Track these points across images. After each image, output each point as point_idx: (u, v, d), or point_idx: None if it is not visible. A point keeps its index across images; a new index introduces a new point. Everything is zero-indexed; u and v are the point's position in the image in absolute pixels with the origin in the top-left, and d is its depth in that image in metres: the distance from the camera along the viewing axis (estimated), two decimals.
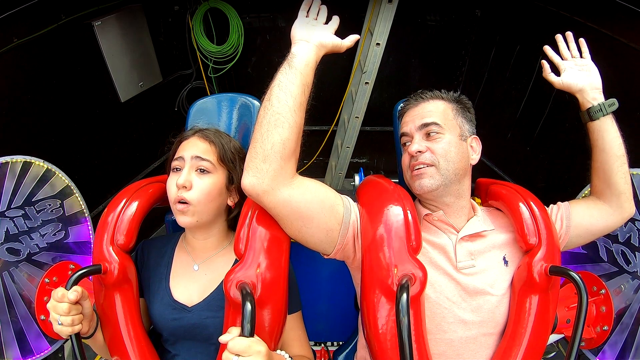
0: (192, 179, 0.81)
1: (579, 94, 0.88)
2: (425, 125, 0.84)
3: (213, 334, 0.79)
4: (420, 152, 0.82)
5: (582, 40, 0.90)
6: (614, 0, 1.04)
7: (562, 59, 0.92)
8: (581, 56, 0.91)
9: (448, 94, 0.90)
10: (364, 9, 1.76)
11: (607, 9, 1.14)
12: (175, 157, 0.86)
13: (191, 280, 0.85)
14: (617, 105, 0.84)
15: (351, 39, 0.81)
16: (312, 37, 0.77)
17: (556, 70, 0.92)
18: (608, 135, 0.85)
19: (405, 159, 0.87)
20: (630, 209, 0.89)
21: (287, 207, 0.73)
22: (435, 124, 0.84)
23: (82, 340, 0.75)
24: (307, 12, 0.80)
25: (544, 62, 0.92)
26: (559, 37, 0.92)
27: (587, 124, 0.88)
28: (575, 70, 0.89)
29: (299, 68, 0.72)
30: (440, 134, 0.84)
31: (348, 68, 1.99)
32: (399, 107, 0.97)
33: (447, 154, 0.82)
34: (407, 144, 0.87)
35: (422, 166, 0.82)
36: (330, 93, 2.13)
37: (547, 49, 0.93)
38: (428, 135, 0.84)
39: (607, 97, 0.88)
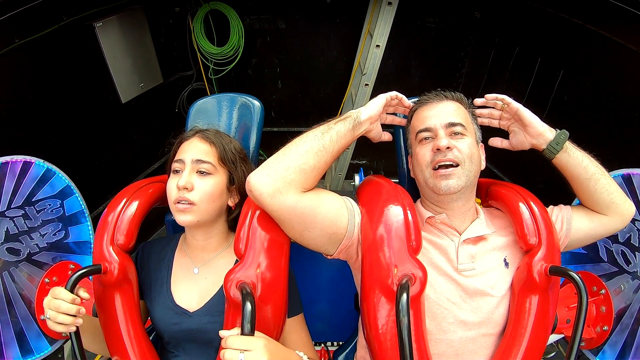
0: (193, 181, 0.81)
1: (531, 147, 0.89)
2: (452, 124, 0.84)
3: (213, 338, 0.79)
4: (449, 148, 0.82)
5: (490, 96, 0.90)
6: (611, 3, 1.05)
7: (498, 119, 0.92)
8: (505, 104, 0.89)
9: (464, 99, 0.91)
10: (364, 11, 1.77)
11: (605, 11, 1.15)
12: (175, 159, 0.85)
13: (192, 284, 0.85)
14: (566, 135, 0.84)
15: (385, 138, 0.94)
16: (376, 124, 0.88)
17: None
18: (570, 166, 0.85)
19: (426, 154, 0.84)
20: (628, 212, 0.89)
21: (291, 212, 0.73)
22: (461, 125, 0.84)
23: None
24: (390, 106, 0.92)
25: (492, 140, 0.94)
26: (477, 103, 0.92)
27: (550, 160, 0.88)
28: (517, 128, 0.89)
29: (355, 134, 0.83)
30: (464, 135, 0.84)
31: (348, 70, 2.00)
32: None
33: (472, 155, 0.83)
34: (428, 138, 0.85)
35: (450, 165, 0.81)
36: (331, 94, 2.14)
37: (485, 121, 0.94)
38: (452, 134, 0.84)
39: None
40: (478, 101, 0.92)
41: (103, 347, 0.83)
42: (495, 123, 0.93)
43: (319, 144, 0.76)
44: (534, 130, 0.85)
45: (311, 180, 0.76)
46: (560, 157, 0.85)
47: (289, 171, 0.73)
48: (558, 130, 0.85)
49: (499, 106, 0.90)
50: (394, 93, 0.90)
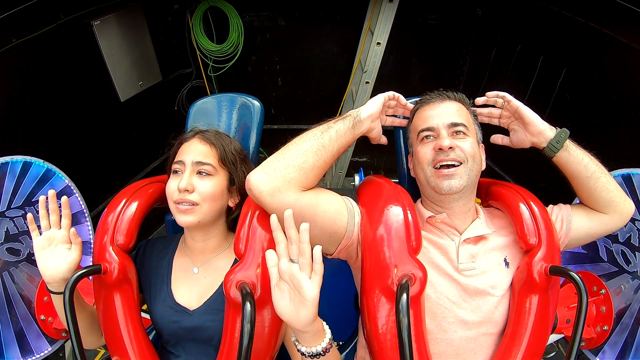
0: (193, 182, 0.81)
1: (532, 145, 0.89)
2: (455, 124, 0.84)
3: (213, 335, 0.80)
4: (452, 148, 0.82)
5: (491, 94, 0.90)
6: (615, 1, 1.04)
7: (498, 117, 0.92)
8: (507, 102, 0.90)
9: (466, 99, 0.91)
10: (364, 8, 1.76)
11: (609, 10, 1.14)
12: (175, 160, 0.85)
13: (191, 283, 0.85)
14: (567, 133, 0.84)
15: (383, 140, 0.93)
16: (377, 123, 0.88)
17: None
18: (571, 164, 0.85)
19: (427, 153, 0.84)
20: (628, 210, 0.89)
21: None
22: (464, 125, 0.85)
23: (53, 293, 0.79)
24: (389, 97, 0.91)
25: (493, 137, 0.95)
26: (479, 102, 0.92)
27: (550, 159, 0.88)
28: (517, 126, 0.89)
29: (356, 133, 0.83)
30: (467, 135, 0.85)
31: (349, 67, 1.99)
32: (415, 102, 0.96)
33: (474, 154, 0.84)
34: (430, 138, 0.86)
35: (452, 164, 0.81)
36: (331, 92, 2.14)
37: (485, 120, 0.94)
38: (454, 134, 0.84)
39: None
40: (479, 100, 0.92)
41: (94, 339, 0.86)
42: (495, 121, 0.93)
43: (318, 142, 0.77)
44: (534, 129, 0.85)
45: (311, 179, 0.76)
46: (560, 156, 0.85)
47: (289, 170, 0.73)
48: (558, 129, 0.85)
49: (500, 104, 0.90)
50: (391, 93, 0.90)
